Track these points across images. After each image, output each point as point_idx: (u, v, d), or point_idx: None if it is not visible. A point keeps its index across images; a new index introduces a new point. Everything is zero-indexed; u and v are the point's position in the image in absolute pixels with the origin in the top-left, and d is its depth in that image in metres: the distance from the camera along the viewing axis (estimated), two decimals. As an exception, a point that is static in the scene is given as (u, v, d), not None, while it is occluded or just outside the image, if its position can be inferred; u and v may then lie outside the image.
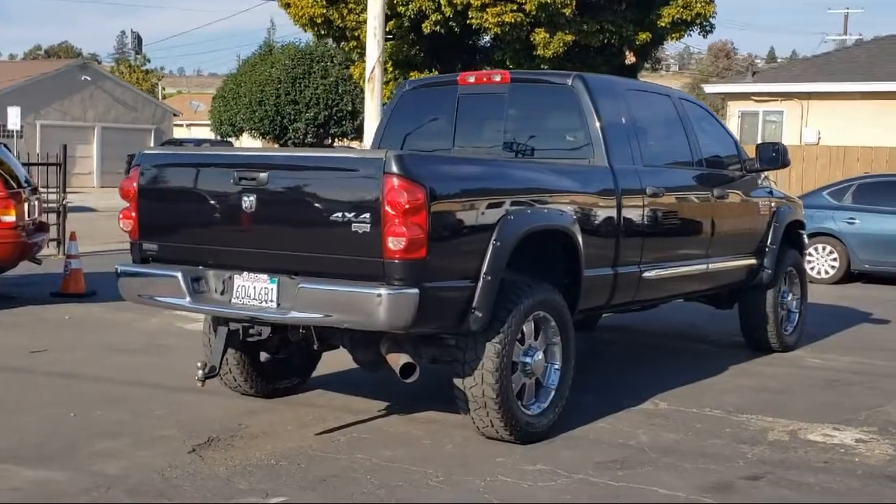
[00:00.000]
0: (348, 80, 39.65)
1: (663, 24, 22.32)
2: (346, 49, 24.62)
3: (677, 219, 7.63)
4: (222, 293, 5.97)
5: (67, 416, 6.52)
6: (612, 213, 6.82)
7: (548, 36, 21.48)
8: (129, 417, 6.51)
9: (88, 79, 42.07)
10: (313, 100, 39.28)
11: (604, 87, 7.19)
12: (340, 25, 23.33)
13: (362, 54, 24.10)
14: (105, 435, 6.10)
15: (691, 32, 23.07)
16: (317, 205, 5.55)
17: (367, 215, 5.32)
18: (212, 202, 5.98)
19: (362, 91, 40.43)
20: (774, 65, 47.49)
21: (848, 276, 15.10)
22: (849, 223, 14.98)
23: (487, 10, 21.17)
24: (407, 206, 5.23)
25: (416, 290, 5.31)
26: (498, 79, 7.43)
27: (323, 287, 5.46)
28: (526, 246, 5.94)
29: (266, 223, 5.75)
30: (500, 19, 21.11)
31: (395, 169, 5.27)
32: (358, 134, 40.21)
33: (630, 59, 23.85)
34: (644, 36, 22.58)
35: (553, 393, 6.25)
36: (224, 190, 5.86)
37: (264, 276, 5.79)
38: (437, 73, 23.55)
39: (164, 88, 73.27)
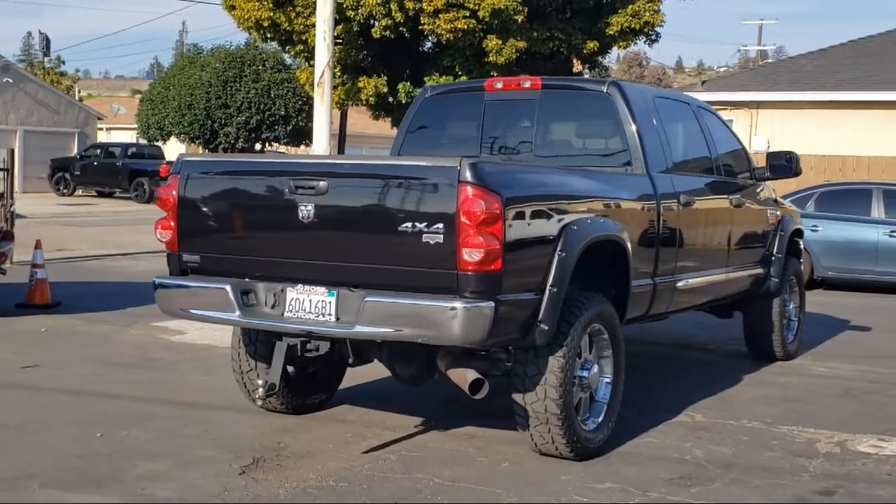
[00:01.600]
0: (281, 84, 39.23)
1: (612, 33, 22.44)
2: (293, 53, 24.26)
3: (704, 227, 7.57)
4: (273, 307, 5.69)
5: (94, 435, 6.18)
6: (654, 221, 6.72)
7: (500, 42, 21.42)
8: (160, 437, 6.19)
9: (10, 81, 40.77)
10: (245, 104, 38.62)
11: (638, 95, 7.09)
12: (287, 29, 22.97)
13: (309, 58, 23.76)
14: (143, 456, 5.79)
15: (637, 41, 23.24)
16: (383, 215, 5.32)
17: (440, 225, 5.12)
18: (263, 211, 5.71)
19: (295, 95, 40.24)
20: (723, 73, 48.10)
21: (811, 282, 15.28)
22: (812, 231, 15.14)
23: (440, 15, 21.03)
24: (483, 217, 5.04)
25: (491, 304, 5.13)
26: (528, 85, 7.27)
27: (392, 300, 5.23)
28: (583, 256, 5.79)
29: (324, 234, 5.49)
30: (453, 25, 20.99)
31: (470, 177, 5.07)
32: (291, 139, 39.80)
33: (577, 67, 23.94)
34: (592, 44, 22.69)
35: (606, 407, 6.11)
36: (278, 199, 5.59)
37: (321, 289, 5.54)
38: (385, 78, 23.34)
39: (79, 91, 71.57)
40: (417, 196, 5.23)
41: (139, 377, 7.96)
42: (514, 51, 21.49)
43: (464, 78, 22.78)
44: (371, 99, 23.21)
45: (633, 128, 6.86)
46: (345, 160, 6.03)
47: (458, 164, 5.11)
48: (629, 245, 6.24)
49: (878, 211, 15.16)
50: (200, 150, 40.17)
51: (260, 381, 5.71)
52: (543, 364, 5.60)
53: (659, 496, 5.31)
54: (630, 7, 22.02)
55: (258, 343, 6.46)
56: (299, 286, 5.60)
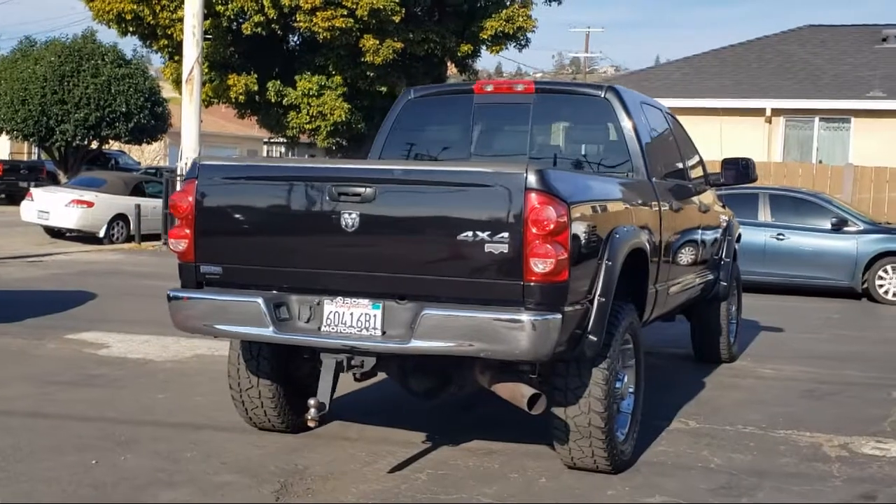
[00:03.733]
0: (122, 80, 37.61)
1: (485, 37, 22.54)
2: (156, 48, 23.27)
3: (685, 231, 7.58)
4: (308, 320, 5.32)
5: (87, 462, 5.66)
6: (658, 226, 6.67)
7: (377, 43, 21.18)
8: (161, 462, 5.71)
9: None
10: (83, 100, 36.71)
11: (632, 100, 7.03)
12: (151, 23, 22.08)
13: (173, 54, 22.96)
14: (159, 484, 5.33)
15: (508, 46, 23.41)
16: (439, 223, 5.04)
17: (505, 235, 4.89)
18: (297, 220, 5.32)
19: (137, 91, 38.70)
20: (546, 78, 49.12)
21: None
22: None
23: (317, 13, 20.63)
24: (552, 226, 4.85)
25: (559, 316, 4.94)
26: (521, 88, 7.10)
27: (454, 313, 4.96)
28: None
29: (370, 243, 5.16)
30: (330, 24, 20.63)
31: (537, 184, 4.87)
32: (133, 137, 38.28)
33: (451, 70, 23.94)
34: (466, 48, 22.73)
35: (630, 418, 6.02)
36: (316, 206, 5.22)
37: (364, 301, 5.21)
38: (255, 75, 22.71)
39: None
40: (479, 203, 4.97)
41: (92, 396, 7.37)
42: (391, 51, 21.29)
43: (337, 77, 22.44)
44: (241, 97, 22.55)
45: (634, 134, 6.80)
46: (395, 165, 5.67)
47: (525, 170, 4.90)
48: (648, 251, 6.18)
49: (764, 215, 15.71)
50: (28, 147, 38.13)
51: (312, 402, 5.32)
52: (587, 376, 5.44)
53: (715, 508, 5.25)
54: (504, 12, 22.17)
55: (261, 358, 6.07)
56: (339, 299, 5.26)
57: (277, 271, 5.38)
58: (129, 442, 6.12)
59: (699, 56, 26.04)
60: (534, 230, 4.85)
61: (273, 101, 22.92)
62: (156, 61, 35.57)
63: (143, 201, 22.16)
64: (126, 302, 12.65)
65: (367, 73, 21.83)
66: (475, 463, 5.93)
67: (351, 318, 5.23)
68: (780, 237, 15.44)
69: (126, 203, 22.11)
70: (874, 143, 21.92)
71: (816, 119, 22.86)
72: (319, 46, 21.90)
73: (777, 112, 22.66)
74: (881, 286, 15.18)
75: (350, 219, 5.12)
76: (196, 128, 21.06)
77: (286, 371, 6.18)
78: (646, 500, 5.35)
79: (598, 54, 77.49)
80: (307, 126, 23.19)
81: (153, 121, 38.85)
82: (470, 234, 4.94)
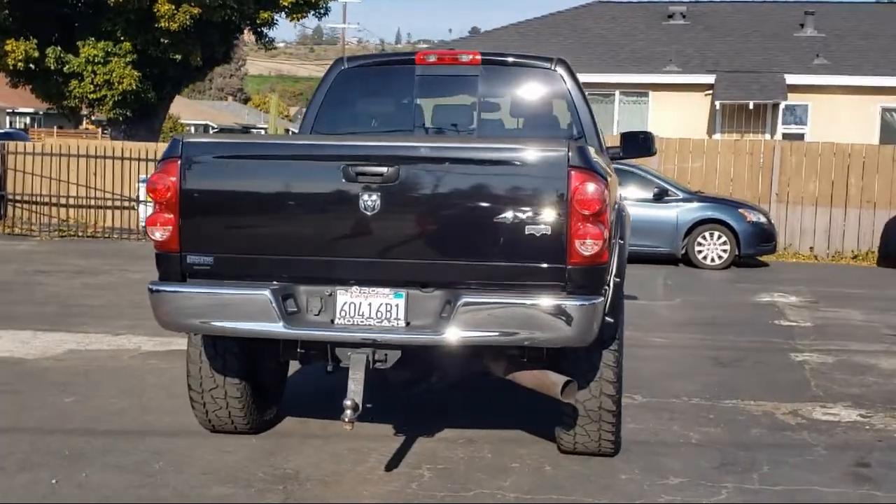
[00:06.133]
0: None
1: (286, 4, 21.81)
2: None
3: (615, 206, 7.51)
4: (319, 313, 4.83)
5: (45, 481, 4.95)
6: (616, 201, 6.55)
7: (173, 8, 20.03)
8: (133, 478, 5.06)
9: None
10: None
11: (575, 73, 6.87)
12: None
13: (-62, 17, 20.86)
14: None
15: (308, 14, 22.75)
16: (470, 205, 4.69)
17: (547, 216, 4.61)
18: (306, 203, 4.81)
19: None
20: (288, 48, 48.21)
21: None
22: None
23: (109, -25, 19.26)
24: (597, 206, 4.62)
25: (601, 299, 4.73)
26: (467, 59, 6.76)
27: (496, 301, 4.64)
28: None
29: (392, 228, 4.73)
30: (123, -13, 19.31)
31: (580, 162, 4.63)
32: None
33: (249, 37, 23.03)
34: (266, 15, 21.91)
35: (617, 398, 5.89)
36: (329, 188, 4.74)
37: (385, 290, 4.79)
38: (34, 41, 20.99)
39: None
40: (517, 183, 4.66)
41: (7, 405, 6.50)
42: (187, 17, 20.18)
43: (126, 44, 21.13)
44: (20, 64, 20.78)
45: (585, 107, 6.67)
46: (421, 142, 5.18)
47: (567, 147, 4.64)
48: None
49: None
50: None
51: (348, 402, 4.80)
52: (597, 359, 5.25)
53: (735, 486, 5.18)
54: (305, -22, 21.54)
55: (228, 356, 5.50)
56: (354, 288, 4.81)
57: (281, 260, 4.85)
58: (77, 455, 5.40)
59: (500, 30, 26.27)
60: (580, 210, 4.60)
61: (53, 68, 21.28)
62: None
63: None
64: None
65: (160, 39, 20.61)
66: (465, 454, 5.63)
67: (369, 308, 4.80)
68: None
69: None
70: (670, 116, 22.93)
71: (617, 93, 23.65)
72: (107, 10, 20.47)
73: (580, 86, 23.20)
74: (700, 252, 15.89)
75: (370, 201, 4.68)
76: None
77: (253, 368, 5.65)
78: (664, 482, 5.23)
79: (356, 25, 77.27)
80: (91, 95, 21.67)
81: None
82: (510, 215, 4.63)
